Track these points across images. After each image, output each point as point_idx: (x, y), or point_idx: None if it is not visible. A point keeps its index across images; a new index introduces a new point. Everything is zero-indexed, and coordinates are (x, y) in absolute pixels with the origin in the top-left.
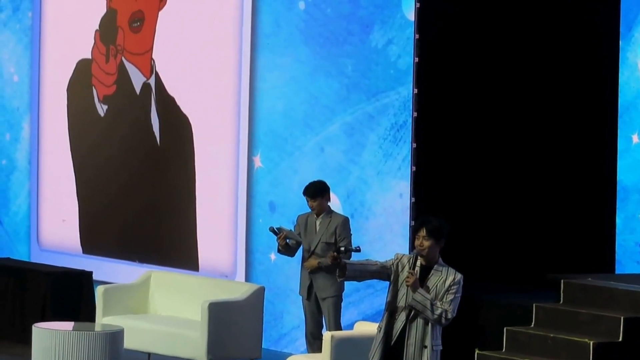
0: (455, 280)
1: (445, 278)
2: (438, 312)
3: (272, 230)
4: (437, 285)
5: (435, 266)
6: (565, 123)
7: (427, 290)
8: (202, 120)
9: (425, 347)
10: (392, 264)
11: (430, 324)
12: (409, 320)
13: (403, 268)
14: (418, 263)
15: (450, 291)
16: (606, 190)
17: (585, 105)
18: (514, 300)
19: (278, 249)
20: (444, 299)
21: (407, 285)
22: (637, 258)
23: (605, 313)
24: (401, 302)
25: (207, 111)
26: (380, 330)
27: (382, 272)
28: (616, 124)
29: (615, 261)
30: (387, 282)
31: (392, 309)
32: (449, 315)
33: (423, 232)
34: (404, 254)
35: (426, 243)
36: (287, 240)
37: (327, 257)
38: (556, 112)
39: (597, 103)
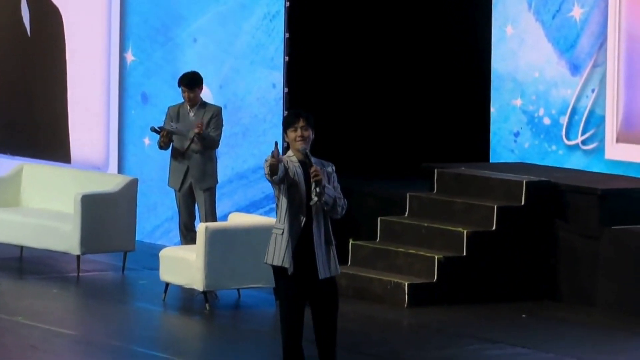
0: (333, 169)
1: (324, 169)
2: (341, 203)
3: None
4: None
5: (313, 159)
6: (441, 12)
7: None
8: (73, 11)
9: (330, 243)
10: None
11: (325, 220)
12: (310, 220)
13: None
14: (294, 158)
15: (334, 182)
16: (480, 79)
17: None
18: (388, 190)
19: (159, 145)
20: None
21: (316, 181)
22: (512, 147)
23: (478, 202)
24: (296, 202)
25: (78, 2)
26: (282, 233)
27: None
28: (490, 13)
29: (490, 150)
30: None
31: (293, 211)
32: (345, 206)
33: (302, 123)
34: (279, 154)
35: (306, 133)
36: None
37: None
38: (432, 1)
39: None
